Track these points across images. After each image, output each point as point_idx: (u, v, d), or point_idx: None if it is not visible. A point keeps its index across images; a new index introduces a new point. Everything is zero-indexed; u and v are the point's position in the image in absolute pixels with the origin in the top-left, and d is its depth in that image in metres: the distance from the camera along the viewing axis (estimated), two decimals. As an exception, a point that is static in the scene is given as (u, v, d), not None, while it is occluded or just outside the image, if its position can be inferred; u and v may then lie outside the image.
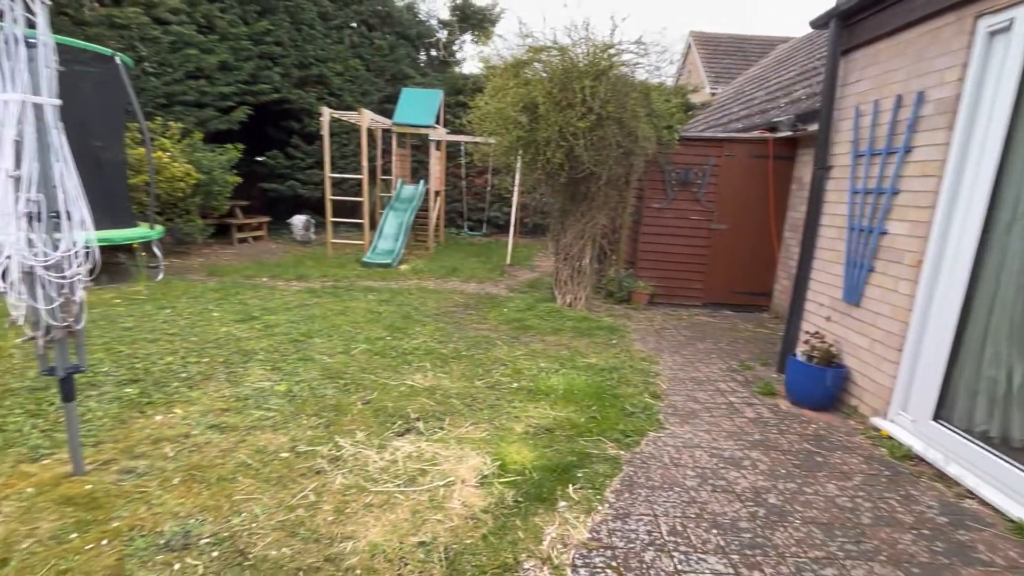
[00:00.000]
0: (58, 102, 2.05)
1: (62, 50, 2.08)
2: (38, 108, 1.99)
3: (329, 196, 9.48)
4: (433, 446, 2.95)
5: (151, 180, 7.39)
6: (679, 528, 2.39)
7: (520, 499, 2.51)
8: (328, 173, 9.43)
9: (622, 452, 3.05)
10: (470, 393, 3.71)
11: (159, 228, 7.40)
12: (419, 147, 12.79)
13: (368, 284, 7.38)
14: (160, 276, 6.99)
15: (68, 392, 2.39)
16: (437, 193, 11.03)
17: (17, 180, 1.93)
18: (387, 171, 11.71)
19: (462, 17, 15.75)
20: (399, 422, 3.23)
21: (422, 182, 10.62)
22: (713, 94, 14.92)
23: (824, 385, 3.79)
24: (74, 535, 2.10)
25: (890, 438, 3.31)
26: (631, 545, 2.26)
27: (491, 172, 12.49)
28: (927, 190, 3.24)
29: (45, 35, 1.96)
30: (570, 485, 2.66)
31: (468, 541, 2.20)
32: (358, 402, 3.48)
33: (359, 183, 10.15)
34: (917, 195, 3.33)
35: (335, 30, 12.49)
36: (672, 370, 4.54)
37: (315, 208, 12.29)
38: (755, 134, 6.82)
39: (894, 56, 3.61)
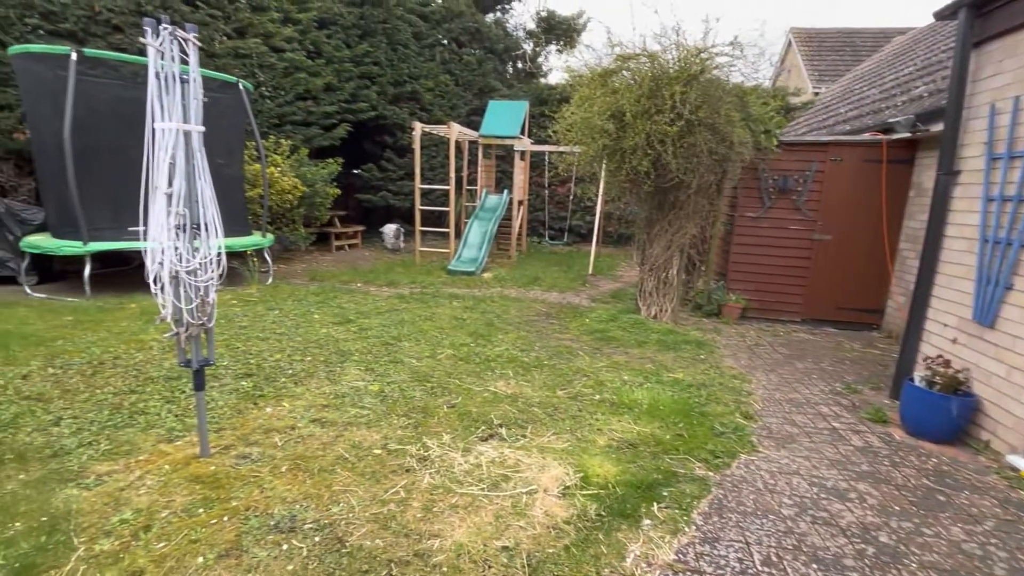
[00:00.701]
0: (203, 129, 2.36)
1: (201, 81, 2.37)
2: (187, 134, 2.29)
3: (418, 206, 9.97)
4: (516, 453, 3.00)
5: (265, 193, 8.17)
6: (774, 559, 2.25)
7: (603, 513, 2.48)
8: (418, 184, 9.92)
9: (711, 473, 2.92)
10: (552, 403, 3.73)
11: (270, 236, 8.16)
12: (503, 157, 13.08)
13: (453, 291, 7.64)
14: (269, 280, 7.70)
15: (199, 382, 2.71)
16: (520, 202, 11.21)
17: (169, 196, 2.24)
18: (472, 181, 12.08)
19: (547, 28, 15.96)
20: (483, 427, 3.31)
21: (506, 191, 10.84)
22: (816, 94, 13.90)
23: (948, 415, 3.38)
24: (201, 510, 2.37)
25: (1033, 481, 2.90)
26: (720, 572, 2.15)
27: (574, 181, 12.48)
28: (1084, 197, 2.82)
29: (195, 72, 2.26)
30: (655, 503, 2.59)
31: (550, 550, 2.21)
32: (444, 405, 3.61)
33: (446, 193, 10.58)
34: (1070, 203, 2.91)
35: (427, 48, 13.20)
36: (767, 390, 4.27)
37: (405, 217, 12.96)
38: (866, 136, 6.27)
39: (1041, 46, 3.18)
